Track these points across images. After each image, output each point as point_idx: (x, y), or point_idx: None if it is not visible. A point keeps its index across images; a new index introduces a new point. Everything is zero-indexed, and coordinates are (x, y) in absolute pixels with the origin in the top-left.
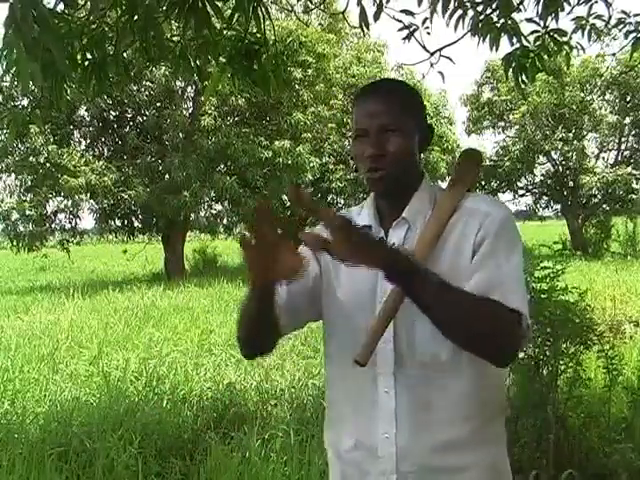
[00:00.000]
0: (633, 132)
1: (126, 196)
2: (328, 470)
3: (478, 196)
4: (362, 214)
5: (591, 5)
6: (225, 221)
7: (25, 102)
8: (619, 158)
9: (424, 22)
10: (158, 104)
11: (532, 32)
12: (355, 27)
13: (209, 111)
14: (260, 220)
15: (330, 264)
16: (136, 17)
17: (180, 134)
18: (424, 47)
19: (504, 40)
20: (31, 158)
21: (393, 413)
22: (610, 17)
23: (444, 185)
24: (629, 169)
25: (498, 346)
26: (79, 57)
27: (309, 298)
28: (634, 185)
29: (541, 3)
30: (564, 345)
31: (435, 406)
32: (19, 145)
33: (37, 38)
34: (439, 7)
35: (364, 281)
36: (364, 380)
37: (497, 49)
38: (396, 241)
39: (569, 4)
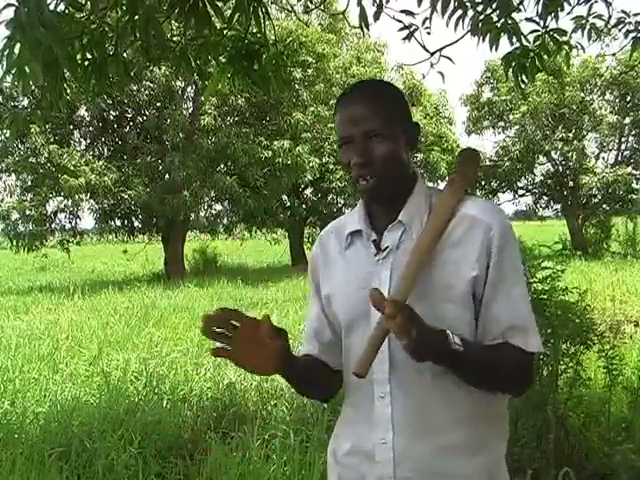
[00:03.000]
0: (633, 132)
1: (126, 196)
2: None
3: (477, 202)
4: (351, 219)
5: (591, 5)
6: (225, 221)
7: (25, 102)
8: (619, 158)
9: (424, 22)
10: (158, 104)
11: (532, 32)
12: (355, 27)
13: (209, 111)
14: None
15: (324, 280)
16: (137, 17)
17: (180, 134)
18: (424, 47)
19: (504, 40)
20: (31, 158)
21: (390, 418)
22: (610, 17)
23: (443, 186)
24: (629, 169)
25: (518, 390)
26: (79, 57)
27: (338, 329)
28: (634, 185)
29: (541, 3)
30: (564, 345)
31: (432, 411)
32: (19, 145)
33: (40, 39)
34: (439, 7)
35: (357, 290)
36: (362, 386)
37: (497, 49)
38: (391, 243)
39: (569, 4)
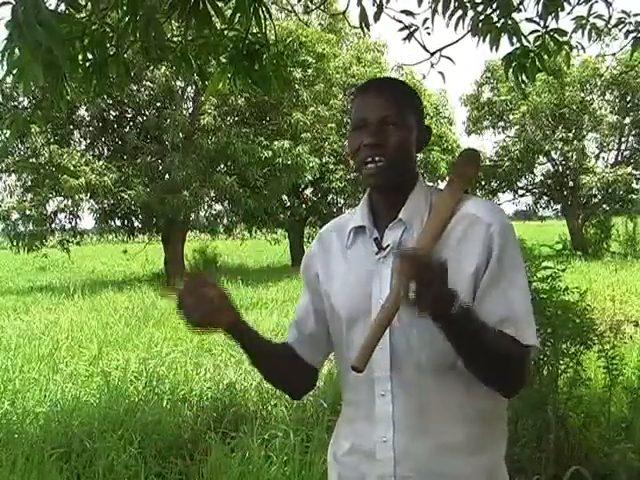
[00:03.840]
0: (633, 132)
1: (126, 196)
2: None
3: (477, 201)
4: (355, 215)
5: (591, 5)
6: (225, 221)
7: (25, 102)
8: (619, 158)
9: (424, 22)
10: (158, 104)
11: (532, 32)
12: (355, 27)
13: (209, 111)
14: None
15: (323, 278)
16: (137, 18)
17: (180, 134)
18: (424, 47)
19: (504, 40)
20: (31, 158)
21: (390, 417)
22: (610, 17)
23: (443, 186)
24: (629, 169)
25: (510, 384)
26: (80, 57)
27: (323, 323)
28: (634, 185)
29: (541, 3)
30: (564, 345)
31: (432, 410)
32: (19, 145)
33: (39, 40)
34: (439, 7)
35: (359, 288)
36: (362, 384)
37: (497, 49)
38: (392, 242)
39: (569, 4)
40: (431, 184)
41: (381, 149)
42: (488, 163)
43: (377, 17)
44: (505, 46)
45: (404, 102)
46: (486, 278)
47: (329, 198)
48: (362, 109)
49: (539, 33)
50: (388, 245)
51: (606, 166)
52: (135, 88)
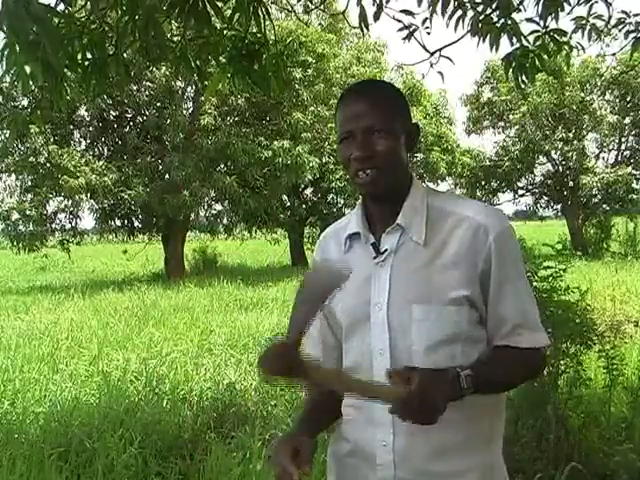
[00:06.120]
0: (633, 132)
1: (126, 196)
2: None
3: (475, 204)
4: (350, 222)
5: (591, 5)
6: (225, 221)
7: (25, 102)
8: (619, 158)
9: (424, 22)
10: (158, 104)
11: (532, 32)
12: (355, 27)
13: (209, 111)
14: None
15: None
16: (137, 17)
17: (180, 134)
18: (424, 47)
19: (504, 40)
20: (31, 158)
21: (390, 421)
22: (610, 17)
23: (443, 186)
24: (629, 169)
25: (531, 378)
26: (79, 57)
27: (336, 335)
28: (634, 185)
29: (541, 3)
30: (565, 345)
31: None
32: (19, 145)
33: (30, 33)
34: (439, 7)
35: (357, 294)
36: None
37: (497, 49)
38: (389, 246)
39: (569, 4)
40: (431, 184)
41: (370, 160)
42: (488, 163)
43: (377, 17)
44: (505, 46)
45: (388, 106)
46: (493, 286)
47: (329, 198)
48: (347, 120)
49: (539, 33)
50: (386, 250)
51: (606, 166)
52: (135, 88)
